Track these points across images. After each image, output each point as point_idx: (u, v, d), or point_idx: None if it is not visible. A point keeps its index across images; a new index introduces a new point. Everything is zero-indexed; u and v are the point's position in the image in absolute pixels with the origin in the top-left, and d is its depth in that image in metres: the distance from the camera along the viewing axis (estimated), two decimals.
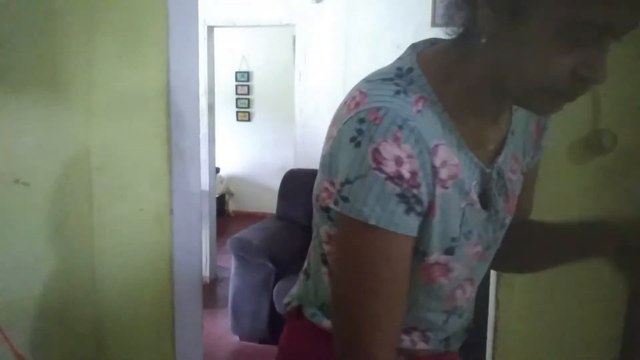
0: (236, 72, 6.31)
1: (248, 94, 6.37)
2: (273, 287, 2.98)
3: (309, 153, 3.80)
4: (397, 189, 0.66)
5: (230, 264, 3.18)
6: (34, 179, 1.57)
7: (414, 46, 0.80)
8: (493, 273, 1.52)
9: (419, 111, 0.69)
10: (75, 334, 1.72)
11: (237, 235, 3.14)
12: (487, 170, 0.78)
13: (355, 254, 0.70)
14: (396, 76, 0.73)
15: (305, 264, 0.94)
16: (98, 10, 1.63)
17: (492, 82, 0.71)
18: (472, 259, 0.79)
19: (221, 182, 6.12)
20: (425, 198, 0.69)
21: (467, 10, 0.69)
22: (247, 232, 3.19)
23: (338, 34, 3.67)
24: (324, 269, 0.85)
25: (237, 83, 6.34)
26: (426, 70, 0.74)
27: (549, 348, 1.48)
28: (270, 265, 3.00)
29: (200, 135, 1.84)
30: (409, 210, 0.67)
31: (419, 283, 0.76)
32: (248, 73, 6.31)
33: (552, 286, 1.46)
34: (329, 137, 0.75)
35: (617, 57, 1.43)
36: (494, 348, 1.55)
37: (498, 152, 0.80)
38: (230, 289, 3.17)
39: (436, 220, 0.71)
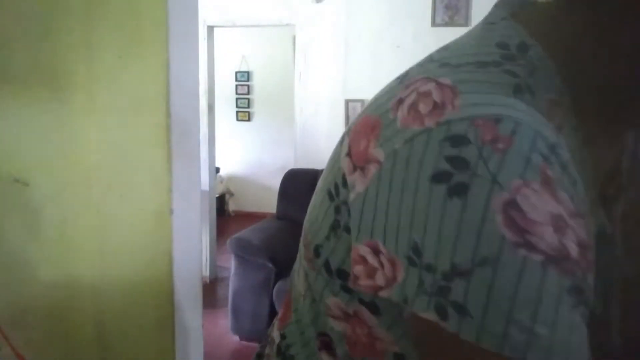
0: (236, 72, 6.32)
1: (248, 93, 6.37)
2: (273, 287, 2.98)
3: (309, 153, 3.80)
4: (567, 281, 0.33)
5: (230, 264, 3.19)
6: (33, 179, 1.57)
7: (504, 3, 0.45)
8: None
9: (559, 128, 0.39)
10: (75, 333, 1.72)
11: (237, 235, 3.14)
12: (609, 230, 0.45)
13: None
14: (504, 58, 0.41)
15: (275, 347, 0.55)
16: (98, 10, 1.63)
17: None
18: None
19: (221, 182, 6.12)
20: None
21: None
22: (247, 232, 3.19)
23: (338, 34, 3.67)
24: (325, 358, 0.50)
25: (237, 83, 6.35)
26: (548, 48, 0.41)
27: None
28: (270, 265, 3.00)
29: (200, 135, 1.84)
30: (584, 315, 0.35)
31: None
32: (248, 73, 6.31)
33: None
34: (357, 153, 0.41)
35: None
36: None
37: (614, 192, 0.47)
38: (230, 289, 3.17)
39: None
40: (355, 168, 0.41)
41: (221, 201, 6.12)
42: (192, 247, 1.77)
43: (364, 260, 0.40)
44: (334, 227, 0.45)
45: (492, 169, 0.33)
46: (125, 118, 1.68)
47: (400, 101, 0.40)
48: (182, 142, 1.69)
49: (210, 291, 4.03)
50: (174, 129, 1.66)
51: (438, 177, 0.35)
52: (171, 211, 1.70)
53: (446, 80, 0.39)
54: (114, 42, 1.64)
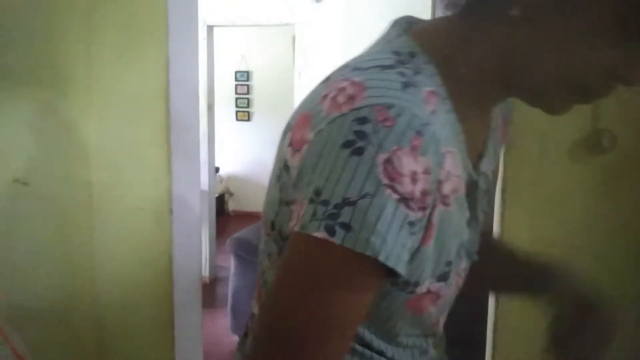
0: (236, 72, 6.31)
1: (248, 93, 6.37)
2: None
3: None
4: (410, 215, 0.51)
5: (230, 263, 3.19)
6: (33, 179, 1.57)
7: (398, 23, 0.64)
8: None
9: (433, 111, 0.55)
10: (75, 334, 1.72)
11: (236, 234, 3.14)
12: (475, 178, 0.64)
13: (334, 285, 0.52)
14: (398, 63, 0.57)
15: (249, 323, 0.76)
16: (98, 9, 1.62)
17: (501, 71, 0.59)
18: (460, 279, 0.67)
19: (221, 181, 6.12)
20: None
21: None
22: (246, 232, 3.19)
23: (338, 34, 3.67)
24: None
25: (236, 83, 6.34)
26: (432, 56, 0.59)
27: None
28: None
29: (200, 135, 1.84)
30: (414, 241, 0.53)
31: (405, 315, 0.62)
32: (248, 73, 6.31)
33: None
34: (296, 141, 0.56)
35: None
36: (493, 348, 1.55)
37: (481, 152, 0.67)
38: (229, 288, 3.17)
39: (430, 246, 0.56)
40: (294, 152, 0.57)
41: (221, 201, 6.12)
42: (192, 247, 1.77)
43: (295, 211, 0.56)
44: (280, 202, 0.60)
45: (381, 139, 0.50)
46: (125, 118, 1.68)
47: (325, 96, 0.55)
48: (181, 141, 1.68)
49: (210, 291, 4.03)
50: (173, 128, 1.66)
51: (346, 144, 0.51)
52: (171, 211, 1.70)
53: (358, 79, 0.54)
54: (114, 42, 1.64)
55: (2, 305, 1.50)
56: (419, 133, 0.50)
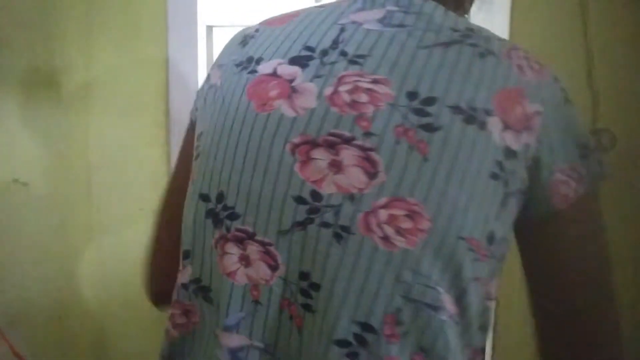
0: None
1: None
2: None
3: None
4: None
5: None
6: (32, 179, 1.57)
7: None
8: None
9: None
10: (75, 334, 1.72)
11: None
12: None
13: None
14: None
15: None
16: (96, 9, 1.63)
17: None
18: None
19: None
20: None
21: None
22: None
23: None
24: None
25: None
26: None
27: None
28: None
29: None
30: None
31: None
32: None
33: None
34: (516, 121, 0.52)
35: (616, 57, 1.44)
36: (493, 348, 1.55)
37: None
38: None
39: None
40: (518, 133, 0.52)
41: None
42: None
43: (564, 182, 0.54)
44: (504, 202, 0.53)
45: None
46: (125, 118, 1.68)
47: (520, 66, 0.55)
48: (181, 141, 1.68)
49: None
50: (173, 128, 1.66)
51: (566, 100, 0.56)
52: None
53: (519, 45, 0.57)
54: (113, 42, 1.64)
55: (1, 305, 1.50)
56: None
